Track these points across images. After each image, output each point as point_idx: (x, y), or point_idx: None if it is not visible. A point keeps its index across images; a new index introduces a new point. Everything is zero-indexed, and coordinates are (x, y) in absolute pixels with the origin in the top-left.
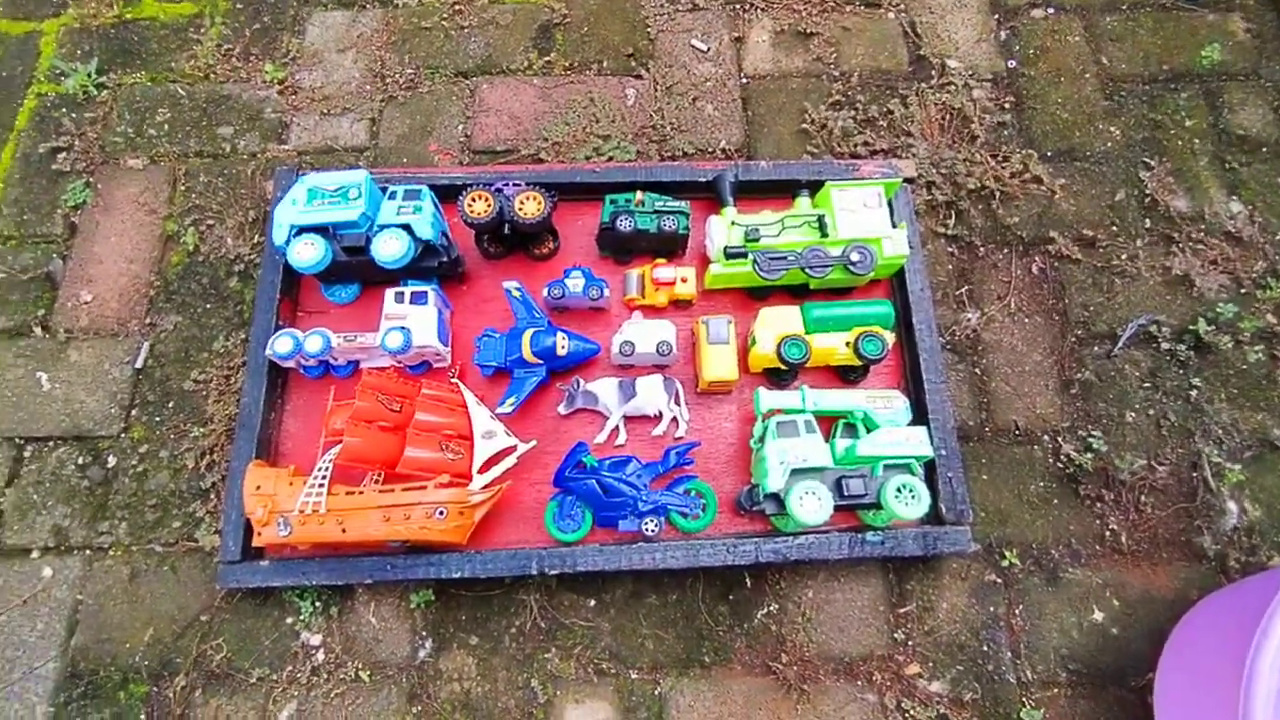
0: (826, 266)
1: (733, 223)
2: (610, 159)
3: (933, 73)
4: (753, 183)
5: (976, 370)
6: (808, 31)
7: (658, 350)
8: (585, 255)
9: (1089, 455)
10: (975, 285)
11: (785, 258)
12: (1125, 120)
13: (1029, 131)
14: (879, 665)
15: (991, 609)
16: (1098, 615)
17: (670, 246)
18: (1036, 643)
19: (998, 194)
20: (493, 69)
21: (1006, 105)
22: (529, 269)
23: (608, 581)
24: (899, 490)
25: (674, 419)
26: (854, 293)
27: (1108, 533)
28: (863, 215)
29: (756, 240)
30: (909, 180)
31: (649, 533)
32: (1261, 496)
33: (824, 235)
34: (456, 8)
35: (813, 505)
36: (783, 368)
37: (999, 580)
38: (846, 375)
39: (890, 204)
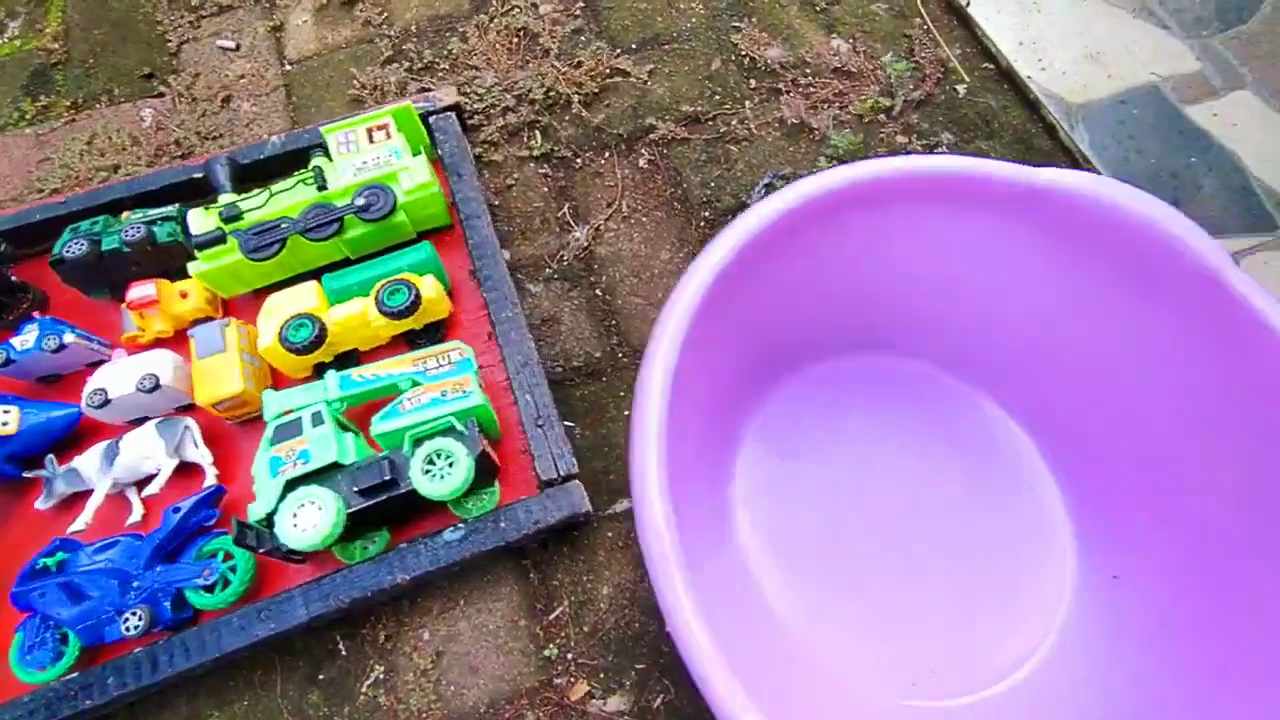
0: (332, 223)
1: (206, 208)
2: None
3: (494, 4)
4: (264, 162)
5: (597, 292)
6: (351, 0)
7: (138, 387)
8: (90, 304)
9: None
10: (578, 201)
11: (277, 226)
12: None
13: (608, 32)
14: (532, 701)
15: None
16: None
17: (166, 262)
18: None
19: (576, 98)
20: None
21: (577, 12)
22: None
23: (148, 709)
24: (430, 462)
25: (186, 469)
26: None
27: None
28: (369, 153)
29: (238, 218)
30: (453, 109)
31: (128, 632)
32: None
33: (323, 189)
34: None
35: (311, 518)
36: (301, 357)
37: None
38: (414, 342)
39: (431, 137)
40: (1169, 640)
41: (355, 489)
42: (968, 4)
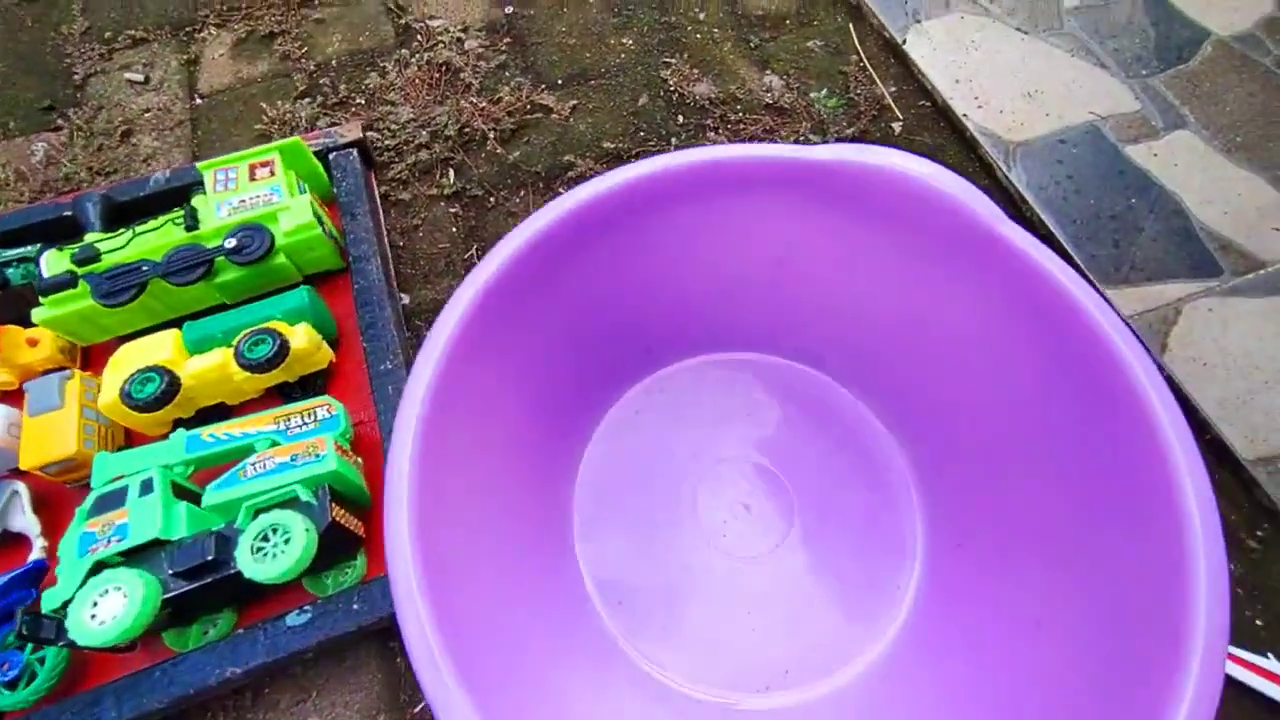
0: (199, 266)
1: (61, 249)
2: None
3: (419, 39)
4: (143, 200)
5: None
6: (272, 33)
7: None
8: None
9: None
10: (488, 242)
11: (137, 269)
12: (637, 30)
13: (534, 68)
14: None
15: None
16: None
17: (23, 308)
18: None
19: (492, 134)
20: None
21: (504, 48)
22: None
23: None
24: (263, 538)
25: (16, 540)
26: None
27: None
28: (247, 191)
29: (94, 260)
30: (355, 145)
31: None
32: None
33: (192, 229)
34: None
35: (111, 608)
36: (151, 415)
37: None
38: (289, 397)
39: (330, 174)
40: (1006, 606)
41: (172, 571)
42: (904, 41)
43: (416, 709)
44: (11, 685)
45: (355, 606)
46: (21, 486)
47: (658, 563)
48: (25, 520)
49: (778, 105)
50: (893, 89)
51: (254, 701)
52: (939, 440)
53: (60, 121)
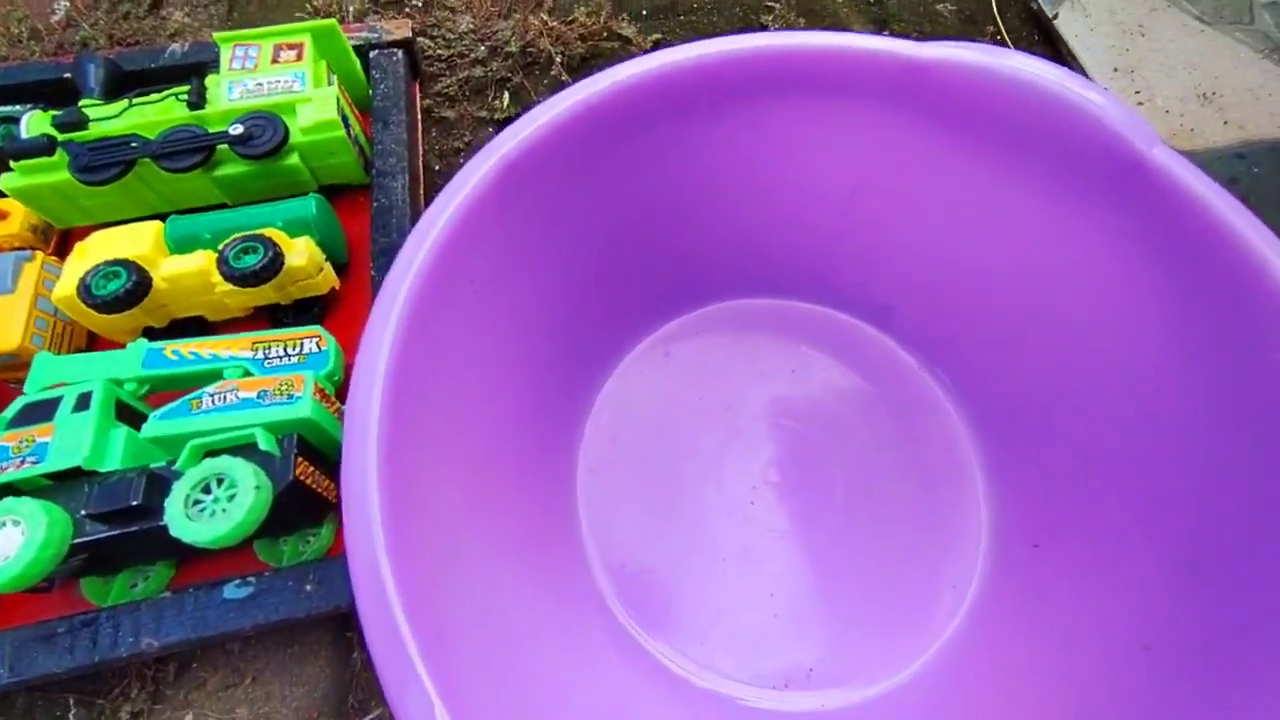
0: (197, 151)
1: (45, 110)
2: None
3: None
4: (155, 72)
5: None
6: None
7: None
8: None
9: None
10: None
11: (125, 144)
12: None
13: None
14: None
15: None
16: None
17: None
18: None
19: (559, 58)
20: None
21: None
22: None
23: None
24: (203, 490)
25: None
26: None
27: None
28: (267, 75)
29: (79, 127)
30: (402, 45)
31: None
32: None
33: (196, 107)
34: None
35: (7, 545)
36: (111, 316)
37: None
38: (281, 322)
39: (369, 75)
40: (1102, 623)
41: (87, 512)
42: (1055, 16)
43: (369, 717)
44: None
45: (308, 588)
46: None
47: (670, 525)
48: None
49: None
50: None
51: (177, 676)
52: (1021, 427)
53: None
